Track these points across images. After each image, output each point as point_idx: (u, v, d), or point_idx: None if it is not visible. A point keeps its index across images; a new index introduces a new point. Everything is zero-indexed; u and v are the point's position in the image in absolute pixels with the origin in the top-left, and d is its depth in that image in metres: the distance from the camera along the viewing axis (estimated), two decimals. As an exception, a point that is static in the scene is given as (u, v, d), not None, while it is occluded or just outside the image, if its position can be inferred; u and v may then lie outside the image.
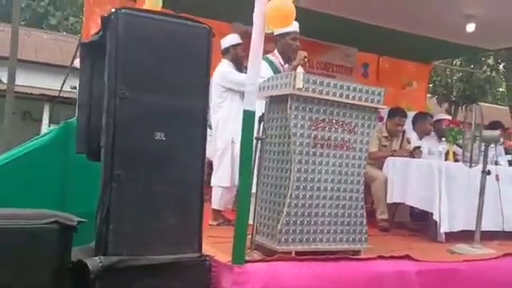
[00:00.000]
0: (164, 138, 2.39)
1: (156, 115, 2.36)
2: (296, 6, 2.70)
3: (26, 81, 12.46)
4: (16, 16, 8.41)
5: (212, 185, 4.04)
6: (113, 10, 2.28)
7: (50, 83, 13.22)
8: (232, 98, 3.99)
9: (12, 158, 2.85)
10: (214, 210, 4.01)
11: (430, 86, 13.50)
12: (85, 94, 2.59)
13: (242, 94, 3.88)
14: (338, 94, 2.99)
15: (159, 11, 2.82)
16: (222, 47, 4.16)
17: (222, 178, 3.98)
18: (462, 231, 3.94)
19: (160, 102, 2.36)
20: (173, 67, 2.40)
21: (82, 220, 2.23)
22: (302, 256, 2.85)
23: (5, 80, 9.01)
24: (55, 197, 2.87)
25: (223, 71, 4.01)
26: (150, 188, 2.36)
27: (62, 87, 11.57)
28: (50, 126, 11.58)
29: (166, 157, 2.40)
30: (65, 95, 11.62)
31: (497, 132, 3.96)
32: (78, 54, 2.79)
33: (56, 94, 12.16)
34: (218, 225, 3.97)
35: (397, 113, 4.99)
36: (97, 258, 2.21)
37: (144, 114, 2.33)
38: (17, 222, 2.08)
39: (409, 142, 5.04)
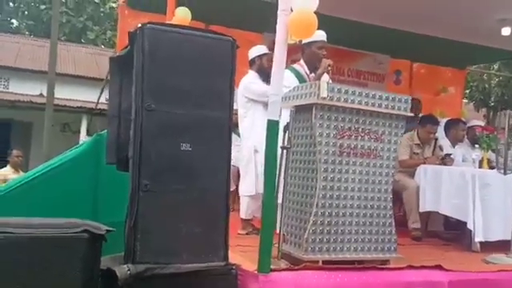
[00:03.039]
0: (190, 149, 2.44)
1: (182, 126, 2.41)
2: (325, 15, 2.71)
3: (65, 94, 12.89)
4: (55, 31, 8.73)
5: (240, 194, 4.09)
6: (139, 25, 2.36)
7: (87, 96, 13.63)
8: (255, 108, 4.05)
9: (47, 169, 2.95)
10: (242, 219, 4.05)
11: (467, 91, 13.20)
12: (114, 107, 2.68)
13: (265, 104, 3.94)
14: (363, 103, 2.98)
15: (185, 25, 2.89)
16: (249, 58, 4.21)
17: (247, 187, 4.04)
18: (498, 241, 3.83)
19: (185, 114, 2.41)
20: (197, 79, 2.45)
21: (110, 229, 2.29)
22: (328, 265, 2.84)
23: (45, 93, 9.35)
24: (87, 207, 2.95)
25: (246, 82, 4.08)
26: (176, 197, 2.41)
27: (98, 99, 11.91)
28: (87, 137, 11.92)
29: (192, 167, 2.44)
30: (101, 107, 11.95)
31: (532, 138, 3.84)
32: (110, 67, 2.89)
33: (93, 106, 12.52)
34: (247, 234, 3.99)
35: (428, 120, 4.91)
36: (125, 266, 2.27)
37: (170, 126, 2.39)
38: (48, 230, 2.16)
39: (441, 150, 4.94)
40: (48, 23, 17.72)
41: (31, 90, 13.35)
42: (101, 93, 11.55)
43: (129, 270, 2.25)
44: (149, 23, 2.37)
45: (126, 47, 2.60)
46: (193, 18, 4.38)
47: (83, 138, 12.33)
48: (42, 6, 20.75)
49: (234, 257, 2.66)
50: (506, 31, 6.03)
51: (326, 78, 3.68)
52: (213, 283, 2.43)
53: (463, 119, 6.06)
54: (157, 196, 2.37)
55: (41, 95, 12.66)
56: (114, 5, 20.89)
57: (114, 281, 2.23)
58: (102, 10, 21.74)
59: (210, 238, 2.49)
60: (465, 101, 11.71)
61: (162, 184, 2.38)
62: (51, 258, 2.13)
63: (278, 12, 2.64)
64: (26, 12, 21.89)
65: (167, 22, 3.92)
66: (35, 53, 15.65)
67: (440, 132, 5.15)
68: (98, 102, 12.03)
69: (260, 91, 3.98)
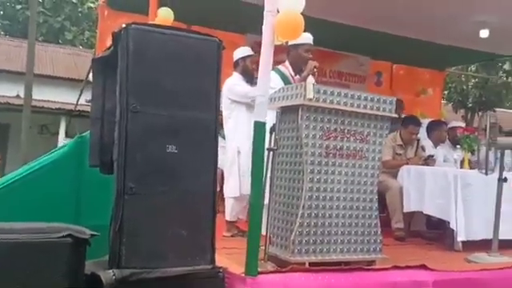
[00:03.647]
0: (176, 151, 2.40)
1: (167, 128, 2.37)
2: (308, 16, 2.71)
3: (43, 95, 12.67)
4: (32, 31, 8.56)
5: (224, 196, 4.07)
6: (123, 25, 2.31)
7: (66, 97, 13.42)
8: (239, 110, 4.06)
9: (27, 172, 2.89)
10: (227, 221, 4.03)
11: (445, 92, 13.40)
12: (97, 108, 2.62)
13: (248, 106, 3.95)
14: (349, 104, 2.99)
15: (170, 25, 2.85)
16: (233, 60, 4.20)
17: (231, 188, 4.03)
18: (480, 240, 3.88)
19: (171, 115, 2.38)
20: (183, 80, 2.41)
21: (95, 233, 2.25)
22: (315, 267, 2.83)
23: (22, 95, 9.17)
24: (70, 210, 2.89)
25: (230, 84, 4.08)
26: (162, 200, 2.37)
27: (77, 101, 11.74)
28: (66, 139, 11.74)
29: (178, 169, 2.41)
30: (81, 109, 11.78)
31: (512, 138, 3.91)
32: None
33: (72, 107, 12.33)
34: (232, 236, 3.97)
35: (410, 121, 4.97)
36: (110, 270, 2.22)
37: (155, 127, 2.35)
38: (30, 235, 2.10)
39: (423, 150, 5.00)
40: (24, 23, 17.43)
41: (8, 91, 13.06)
42: (80, 94, 11.39)
43: (114, 274, 2.20)
44: (133, 23, 2.33)
45: (109, 48, 2.55)
46: (175, 19, 4.34)
47: (62, 140, 12.13)
48: (18, 6, 20.35)
49: (220, 259, 2.62)
50: (484, 33, 6.14)
51: (311, 79, 3.68)
52: (200, 286, 2.40)
53: (443, 120, 6.16)
54: (142, 199, 2.32)
55: (18, 96, 12.42)
56: (92, 5, 20.62)
57: (99, 286, 2.18)
58: (79, 10, 21.39)
59: (196, 241, 2.45)
60: (443, 102, 11.88)
61: (147, 187, 2.34)
62: (34, 264, 2.07)
63: (265, 13, 2.63)
64: (2, 12, 21.44)
65: (150, 22, 3.87)
66: (11, 53, 15.34)
67: (422, 133, 5.21)
68: (77, 104, 11.86)
69: (243, 92, 4.00)
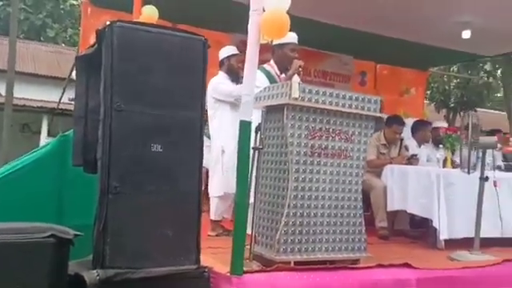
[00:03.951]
0: (161, 150, 2.39)
1: (152, 127, 2.36)
2: (293, 15, 2.72)
3: (25, 93, 12.48)
4: (14, 28, 8.42)
5: (209, 195, 4.06)
6: (108, 22, 2.29)
7: (48, 95, 13.25)
8: (223, 109, 4.06)
9: (9, 172, 2.84)
10: (211, 220, 4.02)
11: (428, 92, 13.55)
12: (81, 107, 2.59)
13: (232, 105, 3.95)
14: (334, 103, 3.00)
15: (155, 24, 2.83)
16: (219, 60, 4.20)
17: (216, 187, 4.03)
18: (462, 238, 3.93)
19: (156, 114, 2.36)
20: (168, 78, 2.40)
21: (78, 233, 2.22)
22: (300, 266, 2.84)
23: (3, 92, 9.02)
24: (52, 210, 2.86)
25: (214, 83, 4.07)
26: (146, 200, 2.35)
27: (60, 99, 11.58)
28: (48, 138, 11.59)
29: (163, 168, 2.39)
30: (63, 107, 11.64)
31: (493, 138, 3.97)
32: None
33: (54, 105, 12.17)
34: (217, 235, 3.97)
35: (394, 121, 5.01)
36: (94, 271, 2.19)
37: (140, 126, 2.33)
38: (12, 236, 2.07)
39: (407, 150, 5.05)
40: (5, 20, 17.13)
41: (-12, 89, 12.84)
42: (63, 92, 11.24)
43: (98, 275, 2.18)
44: (118, 21, 2.31)
45: (93, 45, 2.52)
46: (160, 17, 4.31)
47: (44, 139, 11.97)
48: (-1, 3, 20.03)
49: (205, 259, 2.62)
50: (466, 34, 6.23)
51: (296, 78, 3.69)
52: (185, 286, 2.39)
53: (427, 120, 6.23)
54: (127, 198, 2.30)
55: (-1, 95, 12.21)
56: (74, 2, 20.38)
57: (83, 286, 2.16)
58: (62, 7, 21.13)
59: (181, 241, 2.44)
60: (426, 102, 12.01)
61: (132, 186, 2.32)
62: (16, 265, 2.03)
63: (250, 12, 2.62)
64: (-19, 8, 21.08)
65: (134, 20, 3.84)
66: (-9, 50, 15.08)
67: (406, 132, 5.26)
68: (59, 102, 11.71)
69: (227, 91, 4.00)
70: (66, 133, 2.99)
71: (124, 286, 2.23)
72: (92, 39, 2.59)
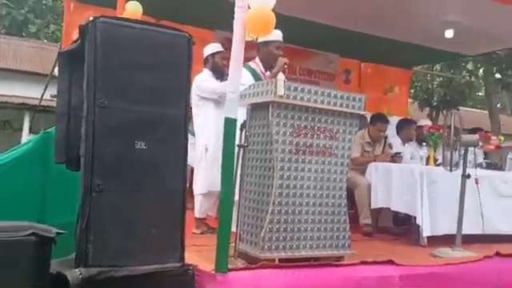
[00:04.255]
0: (145, 147, 2.37)
1: (136, 124, 2.34)
2: (278, 13, 2.71)
3: (6, 90, 12.27)
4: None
5: (194, 193, 4.05)
6: (91, 18, 2.26)
7: (30, 92, 13.02)
8: (207, 106, 4.05)
9: (-11, 169, 2.80)
10: (196, 218, 4.01)
11: (412, 91, 13.68)
12: (63, 103, 2.56)
13: (216, 102, 3.94)
14: (319, 101, 3.01)
15: (139, 20, 2.81)
16: (203, 57, 4.18)
17: (199, 185, 4.02)
18: (445, 235, 3.98)
19: (140, 111, 2.34)
20: (152, 75, 2.38)
21: (61, 232, 2.19)
22: (285, 263, 2.84)
23: (-17, 89, 8.86)
24: (34, 208, 2.83)
25: (198, 80, 4.06)
26: (131, 197, 2.33)
27: (42, 96, 11.41)
28: (30, 135, 11.43)
29: (147, 166, 2.38)
30: (46, 104, 11.47)
31: (475, 136, 4.02)
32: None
33: (37, 102, 11.98)
34: (201, 233, 3.95)
35: (378, 119, 5.04)
36: (77, 269, 2.17)
37: (124, 123, 2.31)
38: (-7, 234, 2.04)
39: (391, 148, 5.09)
40: (-14, 15, 16.83)
41: (-31, 85, 12.63)
42: (45, 89, 11.07)
43: (81, 273, 2.16)
44: (101, 16, 2.28)
45: (76, 41, 2.49)
46: (144, 13, 4.26)
47: (26, 136, 11.80)
48: (-20, -2, 19.67)
49: (189, 257, 2.61)
50: (449, 33, 6.30)
51: (281, 76, 3.67)
52: (169, 284, 2.38)
53: (412, 119, 6.28)
54: (110, 196, 2.28)
55: (-21, 91, 12.01)
56: (57, -3, 20.10)
57: (65, 285, 2.13)
58: (44, 2, 20.80)
59: (166, 239, 2.43)
60: (410, 100, 12.13)
61: (115, 184, 2.30)
62: (-4, 264, 2.00)
63: (236, 9, 2.61)
64: (-38, 3, 20.67)
65: (118, 16, 3.80)
66: (-28, 46, 14.82)
67: (390, 130, 5.30)
68: (41, 99, 11.53)
69: (210, 88, 4.00)
70: (49, 130, 2.96)
71: (107, 285, 2.21)
72: (75, 35, 2.56)
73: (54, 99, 2.90)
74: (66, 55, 2.60)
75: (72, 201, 2.39)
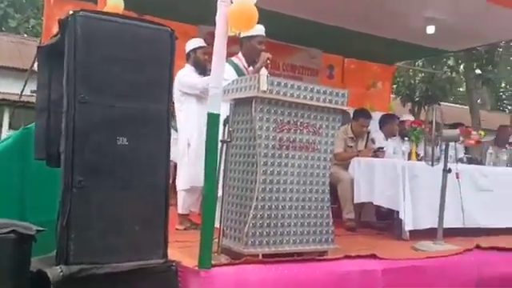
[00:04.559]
0: (127, 143, 2.34)
1: (117, 119, 2.30)
2: (261, 8, 2.70)
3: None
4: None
5: (177, 189, 4.03)
6: (71, 12, 2.22)
7: (9, 87, 12.82)
8: (189, 102, 4.03)
9: (-33, 166, 2.75)
10: (179, 214, 3.99)
11: (394, 86, 13.81)
12: (43, 99, 2.52)
13: (198, 98, 3.92)
14: (302, 96, 3.01)
15: (120, 14, 2.77)
16: (185, 52, 4.16)
17: (182, 181, 4.00)
18: (427, 229, 4.02)
19: (122, 106, 2.31)
20: (134, 70, 2.34)
21: (41, 229, 2.16)
22: (268, 258, 2.85)
23: (-39, 84, 8.69)
24: (14, 205, 2.78)
25: (180, 75, 4.03)
26: (112, 194, 2.30)
27: (22, 91, 11.23)
28: (9, 131, 11.24)
29: (129, 162, 2.34)
30: (25, 99, 11.28)
31: (456, 131, 4.08)
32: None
33: (16, 98, 11.78)
34: (185, 229, 3.94)
35: (361, 114, 5.07)
36: (57, 267, 2.14)
37: (105, 119, 2.27)
38: (-29, 232, 2.00)
39: (373, 143, 5.13)
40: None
41: None
42: (25, 84, 10.89)
43: (61, 271, 2.12)
44: (82, 10, 2.24)
45: (56, 35, 2.44)
46: (125, 8, 4.20)
47: (5, 132, 11.61)
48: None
49: (172, 253, 2.59)
50: (430, 29, 6.37)
51: (264, 71, 3.67)
52: (152, 281, 2.35)
53: (395, 114, 6.34)
54: (91, 192, 2.25)
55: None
56: (37, -9, 19.75)
57: (46, 283, 2.10)
58: (24, -4, 20.50)
59: (148, 235, 2.40)
60: (392, 96, 12.24)
61: (96, 180, 2.26)
62: (-25, 262, 1.97)
63: (218, 3, 2.59)
64: None
65: (99, 10, 3.74)
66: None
67: (373, 125, 5.34)
68: (21, 94, 11.34)
69: (191, 83, 3.98)
70: (29, 126, 2.91)
71: (89, 282, 2.18)
72: (55, 30, 2.51)
73: (34, 95, 2.85)
74: (45, 50, 2.56)
75: (53, 198, 2.35)
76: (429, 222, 4.02)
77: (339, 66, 8.55)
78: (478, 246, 3.60)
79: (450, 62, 16.47)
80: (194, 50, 4.16)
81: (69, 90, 2.23)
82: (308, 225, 3.09)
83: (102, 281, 2.20)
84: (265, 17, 3.04)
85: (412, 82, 15.55)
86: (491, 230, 4.36)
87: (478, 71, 15.64)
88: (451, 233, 3.96)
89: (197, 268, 2.54)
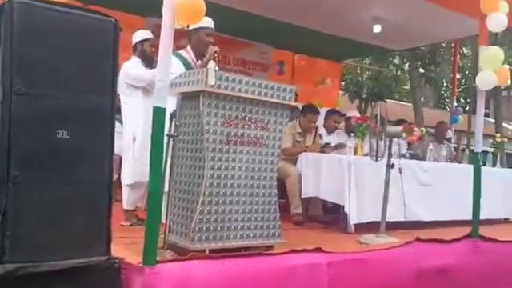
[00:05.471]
0: (67, 136, 2.25)
1: (57, 112, 2.21)
2: (209, 2, 2.67)
3: None
4: None
5: (122, 184, 3.94)
6: (6, -2, 2.11)
7: None
8: (135, 95, 3.95)
9: None
10: (124, 209, 3.91)
11: (342, 83, 14.11)
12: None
13: (144, 91, 3.85)
14: (250, 91, 3.01)
15: (63, 2, 2.65)
16: (132, 44, 4.06)
17: (127, 176, 3.92)
18: (371, 222, 4.14)
19: (62, 99, 2.22)
20: (76, 61, 2.26)
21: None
22: (215, 254, 2.83)
23: None
24: None
25: (126, 67, 3.94)
26: (52, 189, 2.21)
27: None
28: None
29: (70, 156, 2.26)
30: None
31: (399, 128, 4.21)
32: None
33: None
34: (131, 225, 3.86)
35: (309, 110, 5.14)
36: (-8, 266, 2.04)
37: (44, 111, 2.18)
38: None
39: (321, 138, 5.21)
40: None
41: None
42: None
43: (-4, 270, 2.03)
44: (20, -4, 2.13)
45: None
46: (71, -4, 4.06)
47: None
48: None
49: (117, 250, 2.53)
50: (376, 28, 6.55)
51: (212, 64, 3.65)
52: (94, 279, 2.29)
53: (339, 110, 6.48)
54: (29, 188, 2.15)
55: None
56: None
57: (-21, 284, 2.00)
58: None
59: (90, 232, 2.34)
60: (341, 92, 12.50)
61: (34, 175, 2.17)
62: None
63: (165, -5, 2.53)
64: None
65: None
66: None
67: (320, 121, 5.43)
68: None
69: (137, 75, 3.90)
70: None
71: (26, 281, 2.09)
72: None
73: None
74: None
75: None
76: (373, 215, 4.13)
77: (289, 62, 8.65)
78: (417, 239, 3.74)
79: (396, 61, 17.03)
80: (141, 41, 4.07)
81: (4, 81, 2.13)
82: (255, 219, 3.10)
83: (40, 279, 2.12)
84: (213, 10, 3.01)
85: (360, 79, 15.95)
86: (431, 223, 4.55)
87: (422, 70, 16.25)
88: (394, 226, 4.09)
89: (141, 265, 2.48)
